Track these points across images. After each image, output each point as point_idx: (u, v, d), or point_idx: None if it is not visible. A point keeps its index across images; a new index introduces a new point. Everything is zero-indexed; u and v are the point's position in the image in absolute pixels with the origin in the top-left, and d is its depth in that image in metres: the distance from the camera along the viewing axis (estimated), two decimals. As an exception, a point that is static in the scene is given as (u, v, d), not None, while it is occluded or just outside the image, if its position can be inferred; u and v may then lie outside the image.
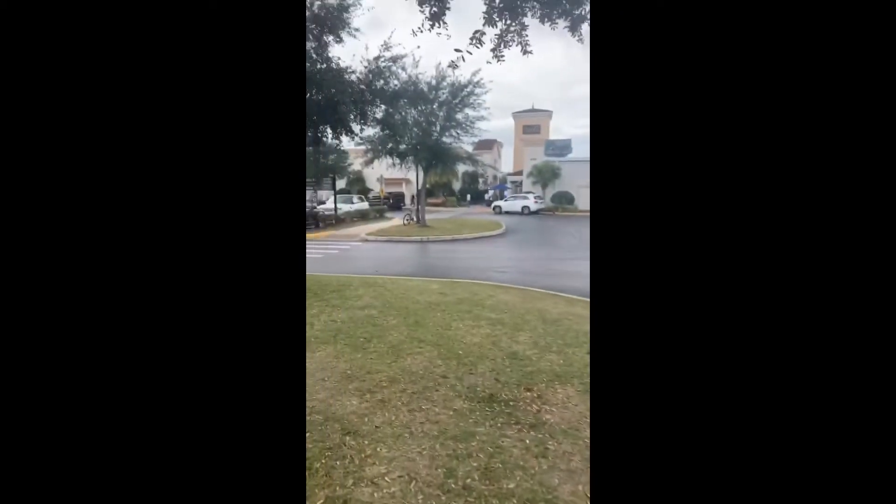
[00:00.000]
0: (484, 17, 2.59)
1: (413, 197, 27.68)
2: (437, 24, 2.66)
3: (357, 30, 5.88)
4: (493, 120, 57.82)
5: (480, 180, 35.77)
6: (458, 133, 14.90)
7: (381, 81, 6.34)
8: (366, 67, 6.24)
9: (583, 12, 2.53)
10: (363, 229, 15.42)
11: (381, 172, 22.20)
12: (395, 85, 6.80)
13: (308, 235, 13.33)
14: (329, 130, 6.13)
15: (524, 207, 23.46)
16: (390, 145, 15.01)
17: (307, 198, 19.81)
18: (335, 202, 19.43)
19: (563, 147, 27.65)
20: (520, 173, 32.53)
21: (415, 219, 16.97)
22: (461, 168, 28.69)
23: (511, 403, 2.65)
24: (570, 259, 9.01)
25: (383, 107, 6.78)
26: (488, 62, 3.13)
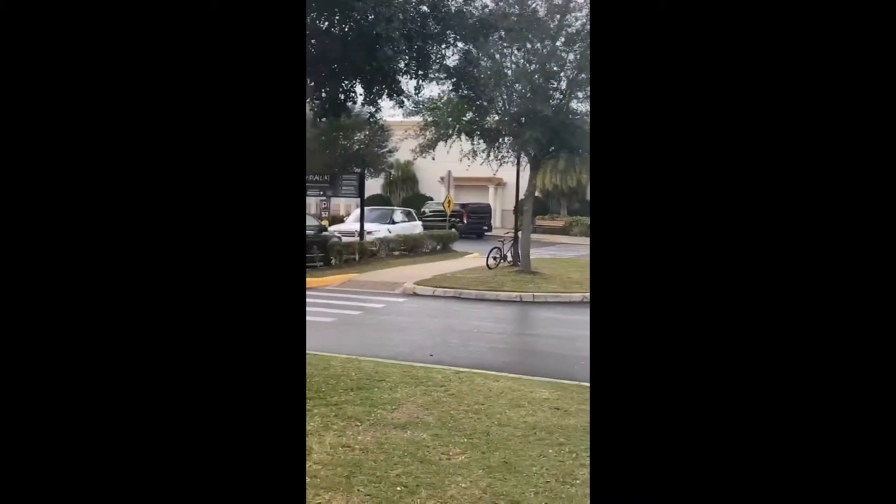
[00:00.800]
0: None
1: (512, 214, 27.88)
2: None
3: None
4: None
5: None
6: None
7: (459, -1, 6.58)
8: (432, -26, 6.55)
9: None
10: (410, 272, 15.81)
11: (448, 167, 22.57)
12: (485, 5, 6.98)
13: (311, 280, 13.83)
14: (359, 88, 6.33)
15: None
16: (470, 115, 15.25)
17: (310, 212, 20.60)
18: (361, 219, 20.03)
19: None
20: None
21: (509, 257, 17.17)
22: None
23: None
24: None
25: (460, 45, 6.97)
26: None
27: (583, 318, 11.26)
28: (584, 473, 4.22)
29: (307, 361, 6.66)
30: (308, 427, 4.88)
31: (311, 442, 4.60)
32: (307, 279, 14.10)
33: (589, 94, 14.86)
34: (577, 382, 6.67)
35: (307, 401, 5.45)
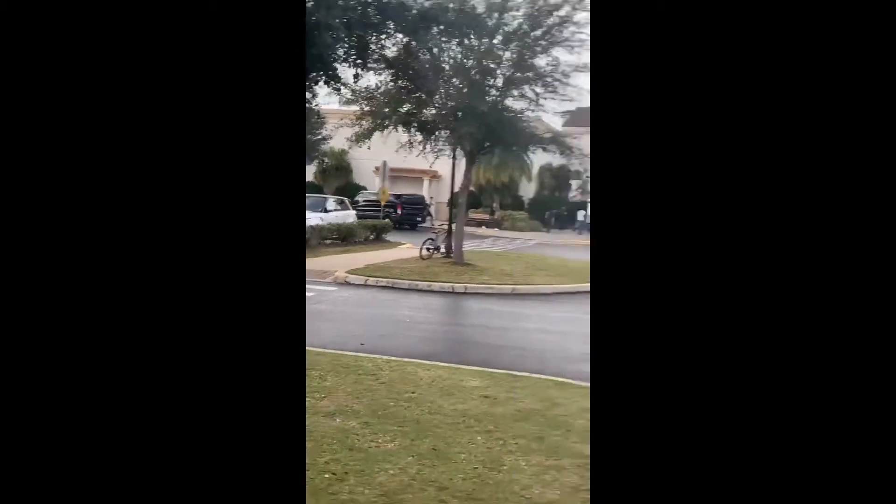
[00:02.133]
0: None
1: (445, 206, 27.91)
2: None
3: None
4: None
5: (573, 185, 35.76)
6: (536, 93, 15.06)
7: (400, -10, 6.56)
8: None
9: None
10: (342, 261, 15.67)
11: (384, 157, 22.43)
12: (425, -2, 6.98)
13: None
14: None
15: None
16: (407, 107, 15.21)
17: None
18: None
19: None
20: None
21: (442, 248, 17.21)
22: (538, 158, 28.80)
23: None
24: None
25: (399, 37, 6.95)
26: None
27: (515, 307, 11.43)
28: (512, 460, 4.29)
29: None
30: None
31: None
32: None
33: (523, 93, 15.06)
34: (506, 371, 6.71)
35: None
